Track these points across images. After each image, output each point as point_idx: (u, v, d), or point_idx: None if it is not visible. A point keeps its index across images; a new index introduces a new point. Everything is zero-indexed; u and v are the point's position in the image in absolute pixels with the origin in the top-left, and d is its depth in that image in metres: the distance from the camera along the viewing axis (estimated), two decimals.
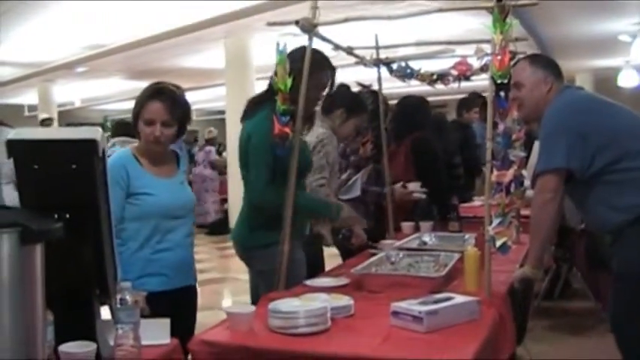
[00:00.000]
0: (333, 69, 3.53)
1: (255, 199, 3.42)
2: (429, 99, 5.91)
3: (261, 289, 3.39)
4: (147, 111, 3.06)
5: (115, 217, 2.31)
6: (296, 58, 3.26)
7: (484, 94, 4.92)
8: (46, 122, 13.92)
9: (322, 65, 3.47)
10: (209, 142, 14.61)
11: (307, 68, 3.23)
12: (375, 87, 4.81)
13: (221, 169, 13.81)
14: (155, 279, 3.03)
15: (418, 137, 5.30)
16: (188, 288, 3.25)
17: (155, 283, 3.00)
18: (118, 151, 3.36)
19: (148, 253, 3.06)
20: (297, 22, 3.23)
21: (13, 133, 1.93)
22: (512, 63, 2.98)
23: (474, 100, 7.45)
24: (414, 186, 5.05)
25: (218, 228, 13.24)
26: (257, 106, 3.44)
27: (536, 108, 3.26)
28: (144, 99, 3.09)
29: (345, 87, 4.40)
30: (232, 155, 12.55)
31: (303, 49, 3.32)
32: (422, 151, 5.29)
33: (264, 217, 3.40)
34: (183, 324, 2.62)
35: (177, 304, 2.96)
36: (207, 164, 13.96)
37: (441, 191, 5.24)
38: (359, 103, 4.50)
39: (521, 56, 3.52)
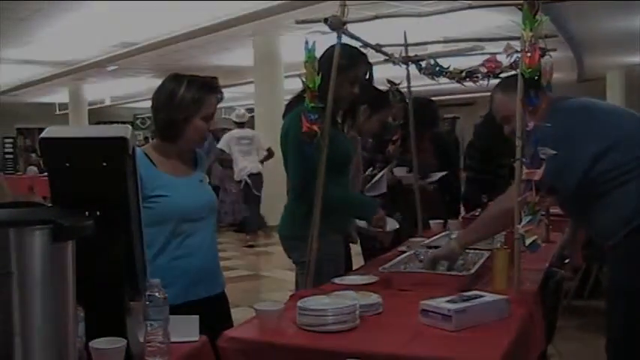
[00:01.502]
0: (368, 64, 3.53)
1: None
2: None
3: (299, 281, 3.41)
4: (208, 106, 2.90)
5: None
6: (330, 55, 3.27)
7: None
8: None
9: (357, 61, 3.48)
10: None
11: (336, 65, 3.23)
12: (404, 85, 4.80)
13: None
14: (174, 289, 2.54)
15: (436, 133, 5.80)
16: (216, 297, 3.05)
17: (175, 295, 2.46)
18: None
19: (166, 261, 2.83)
20: (325, 20, 3.23)
21: (45, 132, 1.94)
22: (542, 60, 2.94)
23: None
24: (434, 176, 5.16)
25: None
26: (297, 102, 3.41)
27: None
28: (200, 95, 2.87)
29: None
30: None
31: (340, 46, 3.33)
32: (442, 144, 5.82)
33: (307, 208, 3.33)
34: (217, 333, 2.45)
35: (205, 315, 2.38)
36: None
37: (451, 182, 5.69)
38: (382, 100, 4.50)
39: (549, 53, 3.47)
